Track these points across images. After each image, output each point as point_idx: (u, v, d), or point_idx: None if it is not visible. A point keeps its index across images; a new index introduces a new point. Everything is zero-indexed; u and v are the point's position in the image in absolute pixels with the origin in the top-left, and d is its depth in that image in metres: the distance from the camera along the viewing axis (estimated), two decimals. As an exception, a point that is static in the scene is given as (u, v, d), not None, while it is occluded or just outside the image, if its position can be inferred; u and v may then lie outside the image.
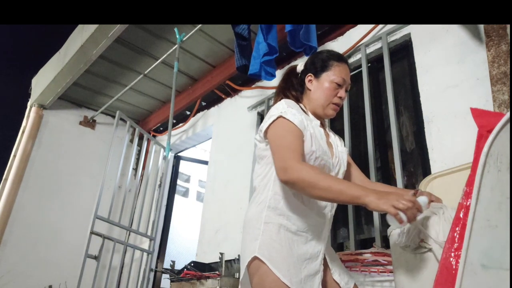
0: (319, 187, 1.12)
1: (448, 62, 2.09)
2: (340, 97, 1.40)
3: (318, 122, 1.39)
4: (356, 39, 2.63)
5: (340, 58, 1.44)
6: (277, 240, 1.19)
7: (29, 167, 3.84)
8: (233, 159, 3.29)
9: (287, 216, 1.24)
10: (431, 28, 2.23)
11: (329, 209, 1.34)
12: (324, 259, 1.30)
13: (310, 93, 1.43)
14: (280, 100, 1.37)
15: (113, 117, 4.24)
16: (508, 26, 1.71)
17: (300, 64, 1.52)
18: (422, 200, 1.12)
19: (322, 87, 1.40)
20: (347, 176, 1.49)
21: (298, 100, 1.44)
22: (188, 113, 4.26)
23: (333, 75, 1.39)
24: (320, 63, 1.43)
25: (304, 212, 1.27)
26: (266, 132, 1.30)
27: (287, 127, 1.26)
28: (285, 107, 1.30)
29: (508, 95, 1.60)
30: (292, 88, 1.48)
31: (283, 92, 1.46)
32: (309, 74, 1.44)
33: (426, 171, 2.03)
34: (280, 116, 1.27)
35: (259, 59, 2.45)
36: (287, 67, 3.16)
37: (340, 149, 1.44)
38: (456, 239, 0.85)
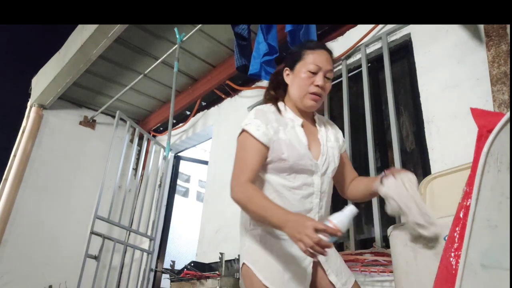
0: (248, 210, 1.20)
1: (448, 62, 2.09)
2: (317, 85, 1.32)
3: (300, 121, 1.35)
4: (356, 39, 2.63)
5: (314, 45, 1.39)
6: (261, 244, 1.25)
7: (29, 167, 3.84)
8: (233, 159, 3.28)
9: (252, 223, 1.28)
10: (431, 28, 2.23)
11: (316, 212, 1.29)
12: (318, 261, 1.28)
13: (289, 87, 1.40)
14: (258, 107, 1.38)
15: (113, 117, 4.23)
16: (508, 26, 1.71)
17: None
18: (339, 221, 1.03)
19: (297, 78, 1.35)
20: (339, 174, 1.43)
21: (277, 99, 1.41)
22: (188, 113, 4.26)
23: (306, 63, 1.33)
24: (294, 55, 1.39)
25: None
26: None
27: (246, 143, 1.28)
28: (251, 119, 1.31)
29: (508, 95, 1.60)
30: (273, 87, 1.46)
31: (265, 94, 1.46)
32: (286, 68, 1.41)
33: (426, 171, 2.02)
34: (243, 130, 1.30)
35: (259, 59, 2.45)
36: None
37: (331, 144, 1.38)
38: (456, 239, 0.85)
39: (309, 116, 1.43)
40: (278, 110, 1.37)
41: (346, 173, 1.47)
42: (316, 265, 1.28)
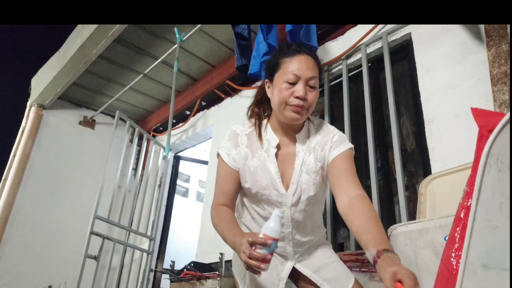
0: (217, 231, 1.20)
1: (448, 62, 2.09)
2: (297, 97, 1.16)
3: (276, 142, 1.25)
4: (356, 39, 2.62)
5: (292, 50, 1.22)
6: (236, 254, 1.16)
7: (29, 167, 3.84)
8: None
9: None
10: (431, 28, 2.23)
11: (289, 240, 1.27)
12: (302, 275, 1.29)
13: (271, 101, 1.26)
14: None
15: (113, 117, 4.23)
16: (509, 26, 1.71)
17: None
18: (270, 230, 0.99)
19: (275, 90, 1.21)
20: (330, 183, 1.24)
21: (260, 116, 1.34)
22: (188, 113, 4.26)
23: (284, 73, 1.19)
24: (271, 65, 1.26)
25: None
26: None
27: (219, 167, 1.31)
28: (225, 141, 1.32)
29: (509, 95, 1.60)
30: (256, 103, 1.38)
31: (248, 110, 1.42)
32: (266, 80, 1.29)
33: (427, 171, 2.02)
34: (218, 154, 1.33)
35: (259, 58, 2.45)
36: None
37: (308, 168, 1.23)
38: (457, 239, 0.85)
39: (295, 132, 1.29)
40: (258, 129, 1.30)
41: (335, 185, 1.20)
42: (305, 281, 1.30)
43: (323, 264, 1.31)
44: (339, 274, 1.28)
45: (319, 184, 1.26)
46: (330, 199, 2.38)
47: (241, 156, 1.27)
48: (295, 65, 1.18)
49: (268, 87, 1.28)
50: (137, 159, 4.40)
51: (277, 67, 1.23)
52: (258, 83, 3.34)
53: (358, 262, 1.95)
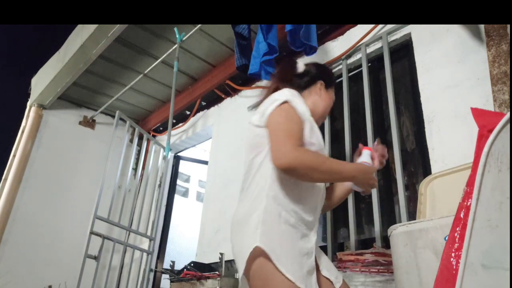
0: (320, 170, 1.15)
1: (448, 62, 2.09)
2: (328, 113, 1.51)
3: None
4: (356, 38, 2.62)
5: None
6: (278, 232, 1.12)
7: (29, 167, 3.84)
8: (233, 159, 3.29)
9: (286, 206, 1.17)
10: (431, 27, 2.23)
11: (319, 206, 1.31)
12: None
13: (316, 98, 1.44)
14: (281, 88, 1.34)
15: (113, 117, 4.22)
16: (509, 26, 1.71)
17: (300, 63, 1.48)
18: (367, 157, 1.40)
19: (328, 100, 1.47)
20: None
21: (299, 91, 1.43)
22: (188, 113, 4.25)
23: (331, 93, 1.49)
24: (330, 78, 1.52)
25: (300, 205, 1.20)
26: (266, 120, 1.23)
27: (290, 113, 1.22)
28: (292, 95, 1.27)
29: (509, 95, 1.60)
30: (291, 83, 1.42)
31: (281, 82, 1.42)
32: (321, 81, 1.46)
33: (427, 171, 2.02)
34: (286, 101, 1.23)
35: (259, 58, 2.45)
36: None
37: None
38: (457, 239, 0.85)
39: None
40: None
41: None
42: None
43: (320, 252, 1.34)
44: (331, 265, 1.34)
45: None
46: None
47: (307, 112, 1.28)
48: (333, 97, 1.53)
49: (320, 88, 1.46)
50: (137, 159, 4.39)
51: (332, 85, 1.51)
52: (258, 83, 3.35)
53: (358, 262, 1.95)
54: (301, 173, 1.13)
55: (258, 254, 1.08)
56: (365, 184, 1.28)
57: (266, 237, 1.09)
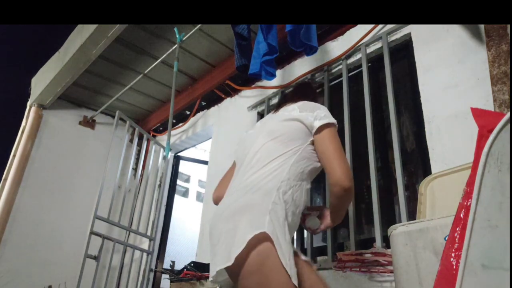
0: (349, 200, 1.32)
1: (448, 62, 2.09)
2: None
3: None
4: (356, 39, 2.62)
5: None
6: (282, 226, 1.14)
7: (29, 167, 3.84)
8: (233, 159, 3.28)
9: (290, 205, 1.22)
10: (431, 28, 2.23)
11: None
12: None
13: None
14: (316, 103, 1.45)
15: (113, 117, 4.23)
16: (509, 26, 1.71)
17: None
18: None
19: None
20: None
21: None
22: (188, 113, 4.26)
23: None
24: None
25: (301, 207, 1.30)
26: (321, 127, 1.31)
27: (336, 135, 1.33)
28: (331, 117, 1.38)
29: (509, 95, 1.60)
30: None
31: (318, 96, 1.57)
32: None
33: (427, 171, 2.02)
34: (333, 124, 1.34)
35: (259, 58, 2.44)
36: (287, 67, 3.14)
37: None
38: (457, 239, 0.84)
39: None
40: None
41: None
42: None
43: None
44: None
45: None
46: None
47: None
48: None
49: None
50: (137, 159, 4.40)
51: None
52: (258, 83, 3.35)
53: (358, 262, 1.95)
54: (349, 197, 1.28)
55: (262, 239, 1.08)
56: (327, 225, 1.43)
57: (273, 226, 1.10)
